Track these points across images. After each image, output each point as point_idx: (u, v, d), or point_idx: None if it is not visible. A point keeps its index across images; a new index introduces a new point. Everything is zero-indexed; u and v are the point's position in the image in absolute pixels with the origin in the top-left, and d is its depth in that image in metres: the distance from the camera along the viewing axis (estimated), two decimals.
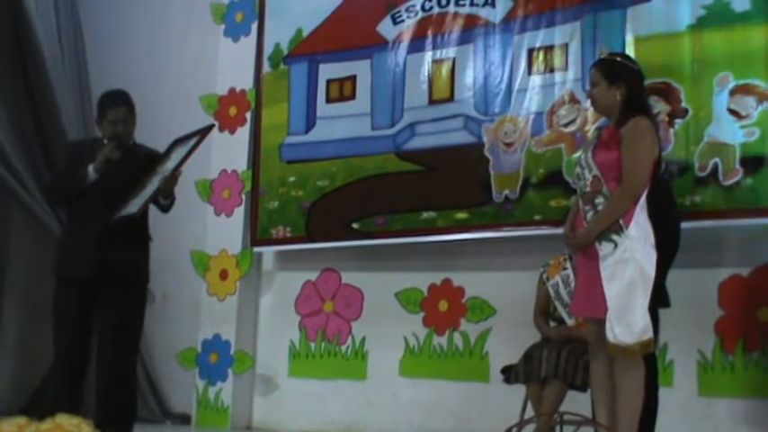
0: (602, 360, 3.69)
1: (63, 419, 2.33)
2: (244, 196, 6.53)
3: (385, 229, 5.79)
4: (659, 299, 3.84)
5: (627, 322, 3.53)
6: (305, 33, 6.37)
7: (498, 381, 4.62)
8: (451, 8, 5.73)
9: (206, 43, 6.94)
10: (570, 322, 4.40)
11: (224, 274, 6.50)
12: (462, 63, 5.64)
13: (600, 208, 3.65)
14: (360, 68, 6.07)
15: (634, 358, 3.56)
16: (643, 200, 3.62)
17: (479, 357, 5.55)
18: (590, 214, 3.69)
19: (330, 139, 6.11)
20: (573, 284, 4.25)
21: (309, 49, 6.35)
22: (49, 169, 6.40)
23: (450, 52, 5.70)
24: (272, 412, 6.36)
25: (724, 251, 4.83)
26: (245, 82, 6.66)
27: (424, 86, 5.78)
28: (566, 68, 5.23)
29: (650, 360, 3.77)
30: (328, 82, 6.20)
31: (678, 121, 4.77)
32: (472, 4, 5.65)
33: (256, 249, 6.47)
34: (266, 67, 6.54)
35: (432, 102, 5.74)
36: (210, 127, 4.66)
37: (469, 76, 5.60)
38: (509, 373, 4.44)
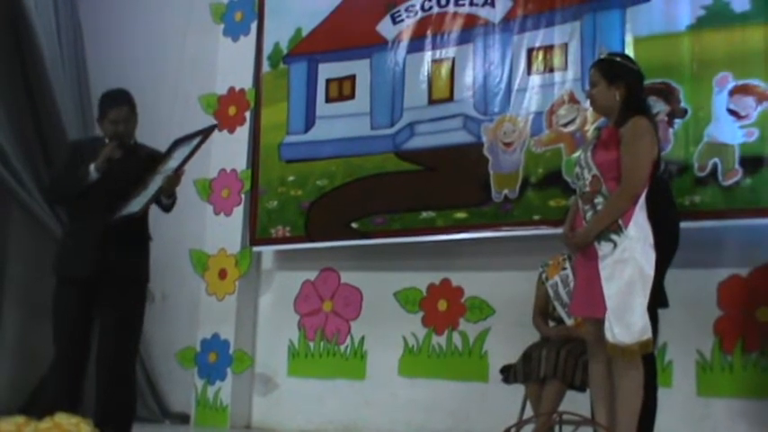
0: (601, 360, 3.69)
1: (62, 419, 2.33)
2: (243, 196, 6.53)
3: (384, 228, 5.79)
4: (658, 299, 3.84)
5: (626, 322, 3.53)
6: (304, 33, 6.37)
7: (497, 380, 4.62)
8: (451, 8, 5.73)
9: (205, 43, 6.94)
10: (569, 322, 4.40)
11: (223, 274, 6.50)
12: (462, 63, 5.64)
13: (599, 208, 3.65)
14: (359, 68, 6.07)
15: (633, 358, 3.56)
16: (642, 200, 3.62)
17: (478, 357, 5.55)
18: (589, 214, 3.69)
19: (329, 138, 6.12)
20: (572, 284, 4.25)
21: (309, 48, 6.35)
22: (48, 169, 6.40)
23: (449, 52, 5.70)
24: (270, 411, 6.36)
25: (723, 251, 4.83)
26: (245, 81, 6.66)
27: (424, 86, 5.78)
28: (565, 68, 5.23)
29: (649, 360, 3.76)
30: (328, 81, 6.21)
31: (677, 121, 4.77)
32: (472, 4, 5.65)
33: (255, 249, 6.47)
34: (266, 67, 6.54)
35: (431, 101, 5.74)
36: (213, 127, 4.67)
37: (469, 76, 5.60)
38: (508, 373, 4.44)
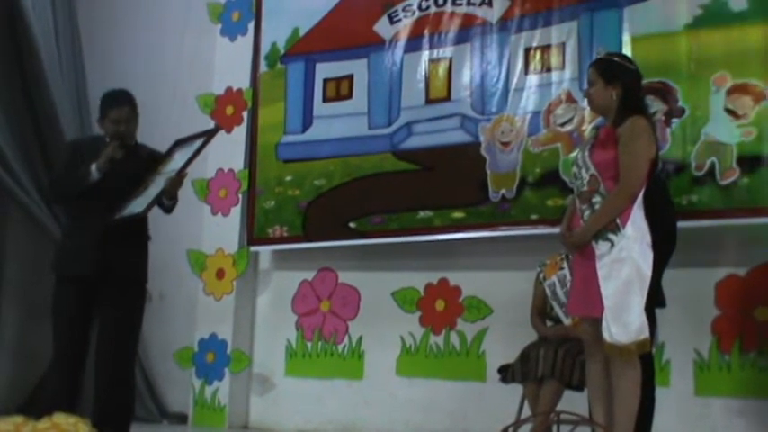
0: (599, 359, 3.69)
1: (60, 418, 2.33)
2: (240, 195, 6.53)
3: (382, 228, 5.79)
4: (656, 298, 3.85)
5: (623, 322, 3.53)
6: (301, 33, 6.36)
7: (495, 380, 4.62)
8: (448, 7, 5.73)
9: (203, 43, 6.94)
10: (567, 322, 4.41)
11: (220, 274, 6.50)
12: (459, 62, 5.64)
13: (597, 207, 3.65)
14: (356, 68, 6.06)
15: (630, 358, 3.56)
16: (640, 199, 3.62)
17: (476, 357, 5.55)
18: (587, 213, 3.69)
19: (327, 138, 6.11)
20: (569, 284, 4.25)
21: (306, 48, 6.34)
22: (46, 169, 6.39)
23: (446, 52, 5.70)
24: (268, 411, 6.35)
25: (721, 251, 4.83)
26: (242, 81, 6.65)
27: (421, 86, 5.78)
28: (562, 68, 5.23)
29: (647, 360, 3.77)
30: (325, 81, 6.20)
31: (675, 121, 4.77)
32: (469, 4, 5.65)
33: (253, 249, 6.47)
34: (263, 67, 6.53)
35: (428, 101, 5.74)
36: (216, 130, 4.68)
37: (466, 76, 5.60)
38: (506, 373, 4.45)
